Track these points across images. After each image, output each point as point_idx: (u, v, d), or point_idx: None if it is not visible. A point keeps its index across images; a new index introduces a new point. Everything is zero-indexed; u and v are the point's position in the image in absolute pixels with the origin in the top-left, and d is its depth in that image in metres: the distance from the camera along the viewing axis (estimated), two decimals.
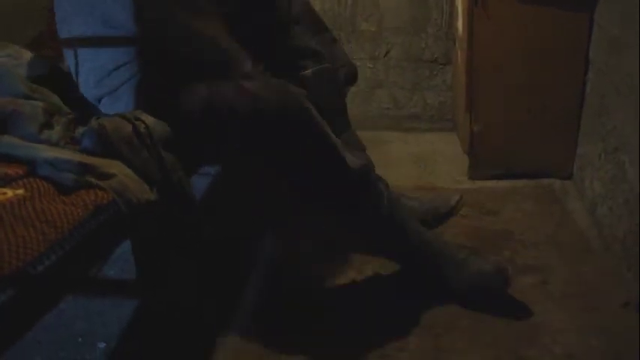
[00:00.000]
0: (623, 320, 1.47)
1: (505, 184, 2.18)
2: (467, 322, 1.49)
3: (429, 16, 2.59)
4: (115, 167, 1.24)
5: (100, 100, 1.42)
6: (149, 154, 1.30)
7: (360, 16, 2.61)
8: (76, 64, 1.43)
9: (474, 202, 2.02)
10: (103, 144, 1.27)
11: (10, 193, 1.12)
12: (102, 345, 1.49)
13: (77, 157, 1.22)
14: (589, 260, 1.73)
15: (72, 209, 1.10)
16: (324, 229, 1.81)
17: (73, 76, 1.45)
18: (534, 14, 1.99)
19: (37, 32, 2.37)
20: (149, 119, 1.34)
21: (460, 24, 2.27)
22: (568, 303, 1.54)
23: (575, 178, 2.15)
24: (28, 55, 1.66)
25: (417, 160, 2.42)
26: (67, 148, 1.31)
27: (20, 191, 1.13)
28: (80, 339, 1.50)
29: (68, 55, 1.45)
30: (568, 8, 1.97)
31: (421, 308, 1.53)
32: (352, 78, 1.75)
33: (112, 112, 1.37)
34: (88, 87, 1.42)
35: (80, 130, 1.37)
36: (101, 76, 1.39)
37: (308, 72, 1.57)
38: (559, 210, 2.00)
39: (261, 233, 1.90)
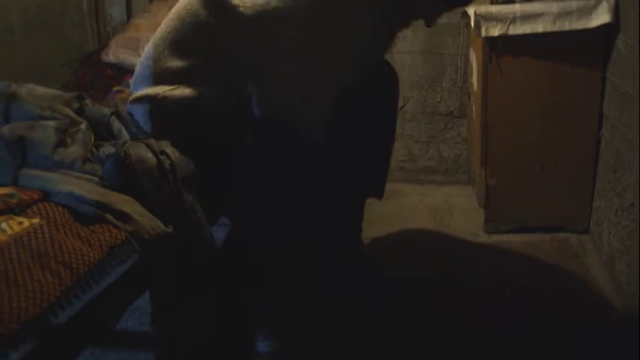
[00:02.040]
0: None
1: (521, 238, 2.17)
2: None
3: (444, 71, 2.64)
4: (130, 206, 1.26)
5: None
6: (170, 192, 1.32)
7: None
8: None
9: (490, 257, 2.02)
10: (125, 175, 1.29)
11: (26, 222, 1.13)
12: None
13: (93, 194, 1.23)
14: (608, 317, 1.71)
15: (87, 250, 1.12)
16: None
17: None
18: (547, 71, 2.03)
19: (65, 81, 2.47)
20: (175, 154, 1.36)
21: (475, 79, 2.31)
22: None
23: (592, 233, 2.13)
24: (41, 89, 1.71)
25: (432, 213, 2.43)
26: (84, 175, 1.32)
27: (36, 220, 1.14)
28: None
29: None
30: (581, 65, 2.00)
31: None
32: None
33: None
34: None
35: (104, 148, 1.39)
36: None
37: None
38: (577, 265, 1.99)
39: None
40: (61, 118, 1.47)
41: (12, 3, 2.25)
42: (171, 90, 1.45)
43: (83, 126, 1.48)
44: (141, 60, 1.57)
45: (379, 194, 1.87)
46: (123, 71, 2.44)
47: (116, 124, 1.59)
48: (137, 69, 1.57)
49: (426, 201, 2.55)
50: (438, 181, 2.74)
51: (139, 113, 1.50)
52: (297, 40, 1.40)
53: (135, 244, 1.19)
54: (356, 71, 1.51)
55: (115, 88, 2.33)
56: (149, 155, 1.33)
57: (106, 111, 1.59)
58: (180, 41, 1.47)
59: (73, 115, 1.51)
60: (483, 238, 2.20)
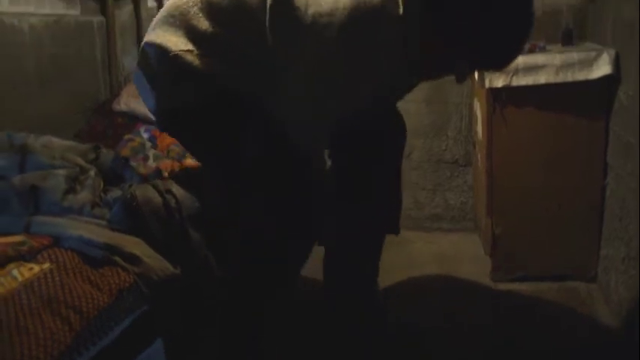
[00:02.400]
0: None
1: (529, 287, 2.16)
2: None
3: (449, 119, 2.68)
4: (138, 247, 1.28)
5: None
6: (176, 230, 1.35)
7: None
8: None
9: (498, 305, 2.01)
10: (132, 217, 1.32)
11: (36, 268, 1.16)
12: None
13: (101, 237, 1.26)
14: None
15: (97, 294, 1.14)
16: None
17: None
18: (551, 121, 2.07)
19: (78, 130, 2.52)
20: (180, 192, 1.40)
21: (479, 128, 2.34)
22: None
23: (600, 281, 2.13)
24: (58, 142, 1.76)
25: (439, 261, 2.43)
26: (93, 219, 1.35)
27: (46, 265, 1.17)
28: None
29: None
30: (584, 116, 2.04)
31: None
32: None
33: None
34: None
35: (112, 193, 1.41)
36: None
37: None
38: (586, 314, 1.97)
39: None
40: (71, 167, 1.51)
41: (28, 54, 2.32)
42: (185, 52, 1.43)
43: (92, 172, 1.52)
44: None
45: (395, 231, 1.88)
46: (134, 120, 2.49)
47: (128, 171, 1.63)
48: (166, 6, 1.54)
49: (433, 248, 2.55)
50: (444, 228, 2.75)
51: (152, 54, 1.49)
52: (326, 57, 1.38)
53: (143, 287, 1.20)
54: (369, 103, 1.52)
55: (126, 137, 2.37)
56: (155, 195, 1.37)
57: (120, 158, 1.63)
58: (217, 6, 1.45)
59: (82, 163, 1.56)
60: (491, 287, 2.19)
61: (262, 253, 1.44)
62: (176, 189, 1.38)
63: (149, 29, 1.55)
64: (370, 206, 1.75)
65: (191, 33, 1.45)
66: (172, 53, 1.43)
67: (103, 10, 2.83)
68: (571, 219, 2.12)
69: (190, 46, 1.43)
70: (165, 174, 1.87)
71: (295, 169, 1.43)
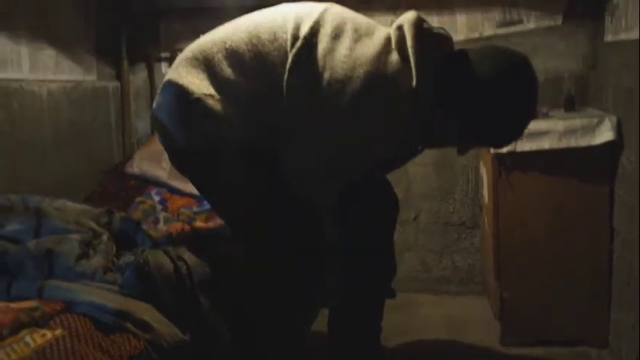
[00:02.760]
0: None
1: (539, 352, 2.13)
2: None
3: (456, 182, 2.72)
4: (149, 313, 1.30)
5: None
6: (187, 296, 1.36)
7: None
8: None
9: None
10: (144, 282, 1.34)
11: (49, 334, 1.17)
12: None
13: (113, 303, 1.27)
14: None
15: None
16: None
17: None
18: (556, 186, 2.09)
19: (90, 192, 2.57)
20: (192, 259, 1.41)
21: (486, 192, 2.37)
22: None
23: (611, 347, 2.10)
24: (72, 205, 1.79)
25: (448, 324, 2.41)
26: (105, 284, 1.36)
27: (58, 331, 1.18)
28: None
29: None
30: (588, 180, 2.07)
31: None
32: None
33: None
34: None
35: (124, 257, 1.43)
36: None
37: None
38: None
39: None
40: (84, 231, 1.55)
41: (46, 119, 2.40)
42: (206, 95, 1.46)
43: (105, 237, 1.55)
44: (203, 39, 1.60)
45: (391, 294, 1.89)
46: (145, 182, 2.54)
47: (141, 235, 1.66)
48: (191, 47, 1.59)
49: (441, 311, 2.54)
50: (452, 291, 2.74)
51: (174, 92, 1.52)
52: (338, 122, 1.43)
53: (153, 354, 1.21)
54: (376, 166, 1.57)
55: (138, 199, 2.42)
56: (167, 261, 1.39)
57: (133, 222, 1.66)
58: (241, 57, 1.49)
59: (96, 227, 1.59)
60: (500, 351, 2.17)
61: (274, 317, 1.46)
62: (188, 256, 1.41)
63: (172, 66, 1.60)
64: (369, 264, 1.78)
65: (214, 78, 1.49)
66: (195, 96, 1.47)
67: (119, 76, 2.94)
68: (580, 283, 2.12)
69: (212, 91, 1.47)
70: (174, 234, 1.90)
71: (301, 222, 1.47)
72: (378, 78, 1.40)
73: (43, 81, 2.39)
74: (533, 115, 1.49)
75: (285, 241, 1.47)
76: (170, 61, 2.93)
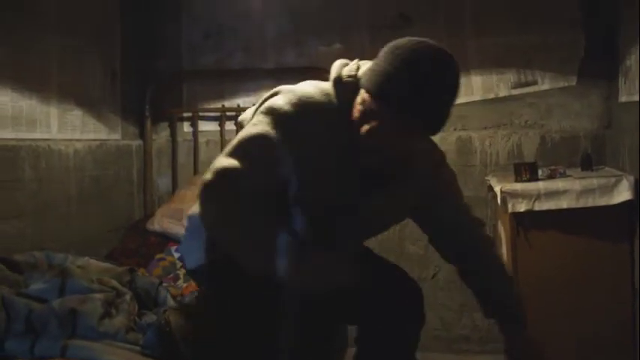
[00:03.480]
0: None
1: None
2: None
3: None
4: None
5: None
6: (208, 357, 1.36)
7: (407, 240, 2.77)
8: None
9: None
10: (165, 343, 1.34)
11: None
12: None
13: None
14: None
15: None
16: None
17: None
18: (576, 245, 2.09)
19: (111, 248, 2.61)
20: (212, 319, 1.42)
21: (504, 250, 2.37)
22: None
23: None
24: (95, 263, 1.82)
25: None
26: (126, 345, 1.37)
27: None
28: None
29: None
30: (607, 239, 2.06)
31: None
32: None
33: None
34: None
35: (146, 317, 1.44)
36: None
37: None
38: None
39: None
40: (108, 291, 1.57)
41: (71, 177, 2.46)
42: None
43: (128, 297, 1.58)
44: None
45: None
46: (166, 239, 2.57)
47: (162, 294, 1.68)
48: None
49: None
50: (473, 350, 2.70)
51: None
52: None
53: None
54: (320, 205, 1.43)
55: (158, 256, 2.45)
56: (187, 321, 1.40)
57: (154, 281, 1.69)
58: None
59: (119, 286, 1.62)
60: None
61: None
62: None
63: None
64: None
65: None
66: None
67: (142, 134, 3.02)
68: (604, 341, 2.08)
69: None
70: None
71: None
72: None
73: (70, 140, 2.47)
74: (455, 97, 1.36)
75: None
76: (192, 120, 3.02)
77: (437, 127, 1.37)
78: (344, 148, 1.38)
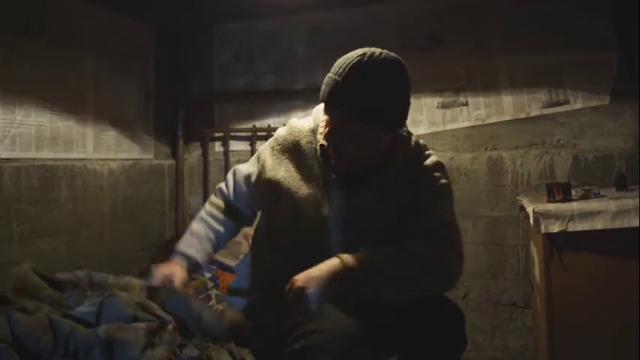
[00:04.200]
0: None
1: None
2: None
3: (506, 261, 2.68)
4: None
5: None
6: None
7: None
8: None
9: None
10: None
11: None
12: None
13: None
14: None
15: None
16: None
17: None
18: (611, 266, 2.04)
19: (143, 266, 2.64)
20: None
21: (537, 272, 2.33)
22: None
23: None
24: (138, 283, 1.82)
25: None
26: None
27: None
28: None
29: None
30: None
31: None
32: None
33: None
34: None
35: (187, 349, 1.44)
36: None
37: None
38: None
39: None
40: (151, 319, 1.56)
41: (105, 197, 2.51)
42: None
43: (170, 327, 1.55)
44: None
45: None
46: None
47: (202, 323, 1.66)
48: None
49: None
50: None
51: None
52: None
53: None
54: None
55: None
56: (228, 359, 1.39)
57: (195, 308, 1.67)
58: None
59: (162, 313, 1.60)
60: None
61: None
62: (250, 358, 1.41)
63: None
64: None
65: None
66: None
67: (174, 154, 3.07)
68: None
69: None
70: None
71: None
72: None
73: (104, 160, 2.53)
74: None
75: None
76: (223, 140, 3.06)
77: (381, 120, 1.43)
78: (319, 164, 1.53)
